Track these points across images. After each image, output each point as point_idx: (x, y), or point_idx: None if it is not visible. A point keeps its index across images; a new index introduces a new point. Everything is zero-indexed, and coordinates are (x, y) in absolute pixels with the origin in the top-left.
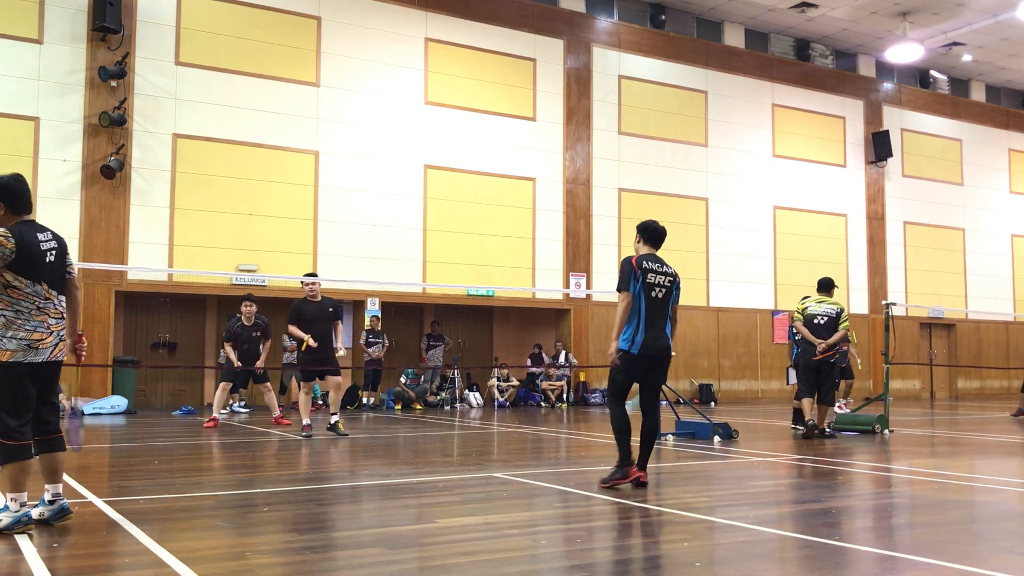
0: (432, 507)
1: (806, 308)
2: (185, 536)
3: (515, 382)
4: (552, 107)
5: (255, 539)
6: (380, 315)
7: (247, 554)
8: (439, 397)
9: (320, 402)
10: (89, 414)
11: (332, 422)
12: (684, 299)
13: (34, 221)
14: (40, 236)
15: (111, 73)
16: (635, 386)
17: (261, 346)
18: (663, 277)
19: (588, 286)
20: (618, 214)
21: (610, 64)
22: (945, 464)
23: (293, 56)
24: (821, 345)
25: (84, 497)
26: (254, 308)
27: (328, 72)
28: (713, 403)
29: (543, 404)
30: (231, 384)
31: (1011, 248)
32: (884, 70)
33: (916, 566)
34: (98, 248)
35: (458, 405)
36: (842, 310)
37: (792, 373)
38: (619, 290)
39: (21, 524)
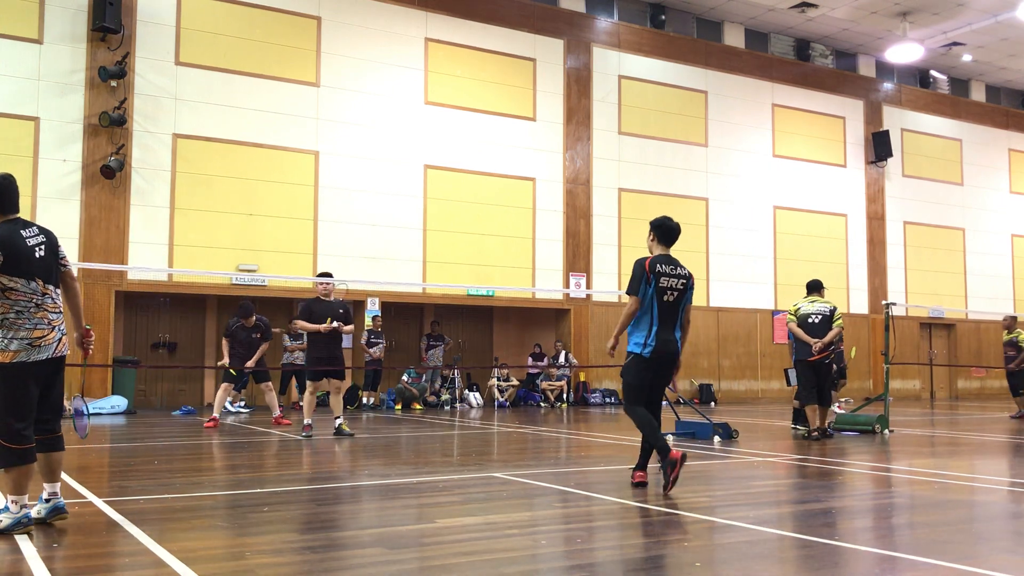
0: (432, 507)
1: (799, 309)
2: (185, 536)
3: (515, 382)
4: (552, 107)
5: (255, 539)
6: (380, 315)
7: (247, 554)
8: (442, 399)
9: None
10: (89, 414)
11: (336, 424)
12: None
13: (19, 219)
14: (25, 232)
15: (111, 73)
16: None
17: (259, 347)
18: (676, 280)
19: (588, 286)
20: (618, 214)
21: (610, 64)
22: (945, 464)
23: (293, 56)
24: (817, 344)
25: (84, 497)
26: (253, 319)
27: (328, 72)
28: (713, 403)
29: (543, 404)
30: (232, 384)
31: (1011, 248)
32: (884, 70)
33: (916, 566)
34: (98, 248)
35: (458, 405)
36: (835, 308)
37: (791, 374)
38: (629, 293)
39: (21, 525)
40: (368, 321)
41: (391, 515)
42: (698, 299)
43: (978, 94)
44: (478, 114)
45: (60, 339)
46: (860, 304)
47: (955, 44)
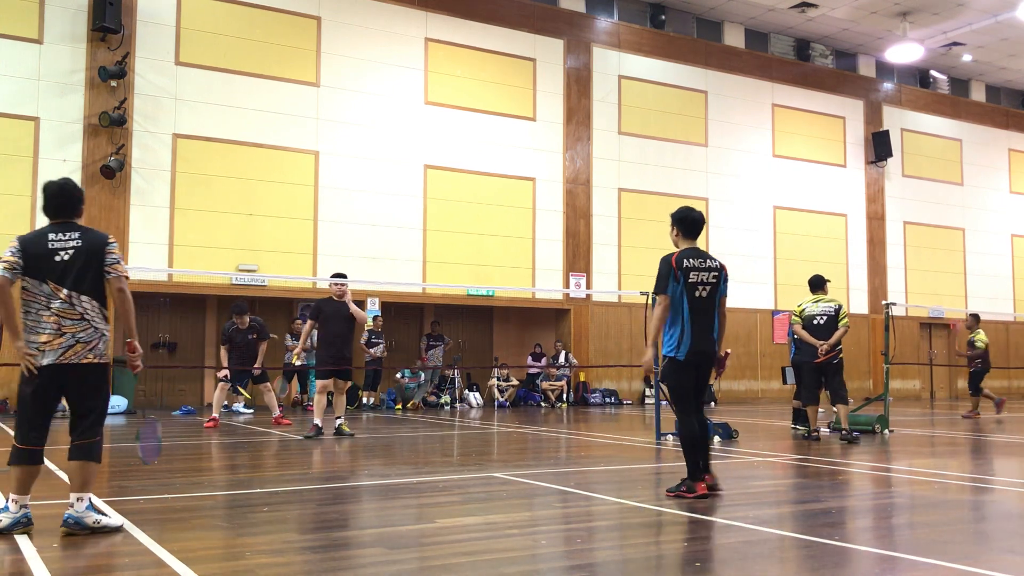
0: (432, 507)
1: (803, 310)
2: (185, 536)
3: (515, 382)
4: (552, 107)
5: (255, 539)
6: (380, 315)
7: (247, 554)
8: (442, 400)
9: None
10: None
11: (336, 424)
12: None
13: (61, 223)
14: (54, 236)
15: (111, 73)
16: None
17: (258, 347)
18: (707, 273)
19: (588, 286)
20: (618, 214)
21: (610, 64)
22: (945, 464)
23: (293, 56)
24: (823, 347)
25: None
26: (247, 319)
27: (328, 72)
28: (713, 403)
29: (543, 404)
30: (231, 384)
31: (1011, 248)
32: (884, 70)
33: (916, 566)
34: None
35: (458, 405)
36: (840, 306)
37: (788, 373)
38: (656, 293)
39: (20, 525)
40: (368, 321)
41: (391, 515)
42: None
43: (978, 94)
44: (478, 114)
45: (71, 347)
46: (860, 304)
47: (955, 44)
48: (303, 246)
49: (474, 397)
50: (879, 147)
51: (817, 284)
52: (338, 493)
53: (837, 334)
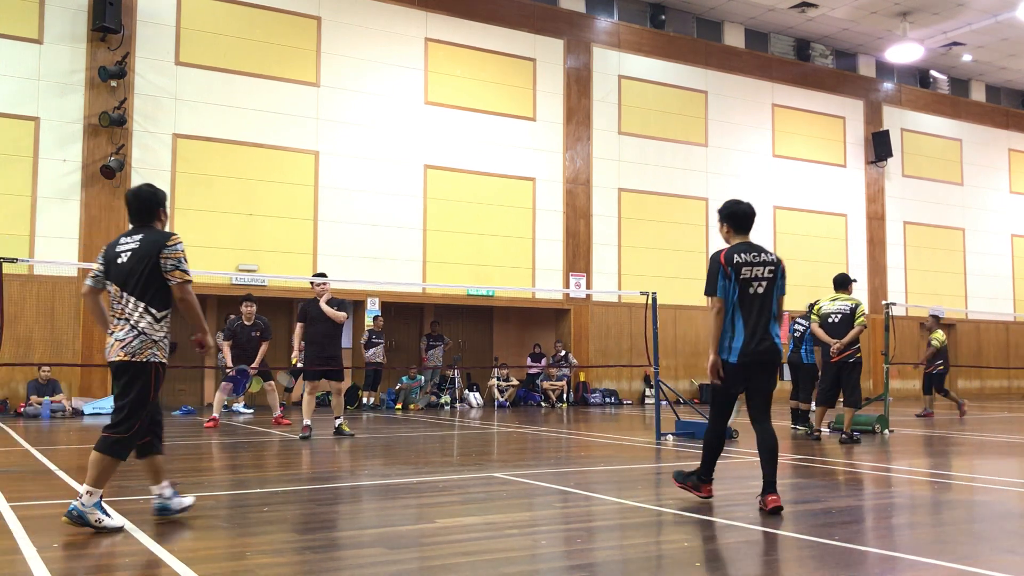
0: (432, 507)
1: (820, 308)
2: (185, 536)
3: (515, 382)
4: (552, 107)
5: (255, 539)
6: (381, 315)
7: (247, 554)
8: (442, 400)
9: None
10: (89, 414)
11: (336, 425)
12: (686, 299)
13: (135, 228)
14: (123, 239)
15: (111, 73)
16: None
17: (260, 346)
18: (761, 268)
19: (588, 286)
20: (618, 214)
21: (610, 64)
22: (945, 464)
23: (293, 56)
24: (835, 345)
25: None
26: (254, 308)
27: (328, 72)
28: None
29: (543, 404)
30: (232, 384)
31: (1011, 248)
32: (884, 70)
33: (916, 566)
34: (98, 248)
35: (458, 405)
36: (857, 305)
37: (786, 369)
38: (707, 294)
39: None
40: (369, 321)
41: (391, 515)
42: (698, 299)
43: (978, 94)
44: (478, 114)
45: (111, 345)
46: None
47: (955, 44)
48: (303, 246)
49: (474, 397)
50: (879, 147)
51: (839, 283)
52: (338, 493)
53: (852, 333)
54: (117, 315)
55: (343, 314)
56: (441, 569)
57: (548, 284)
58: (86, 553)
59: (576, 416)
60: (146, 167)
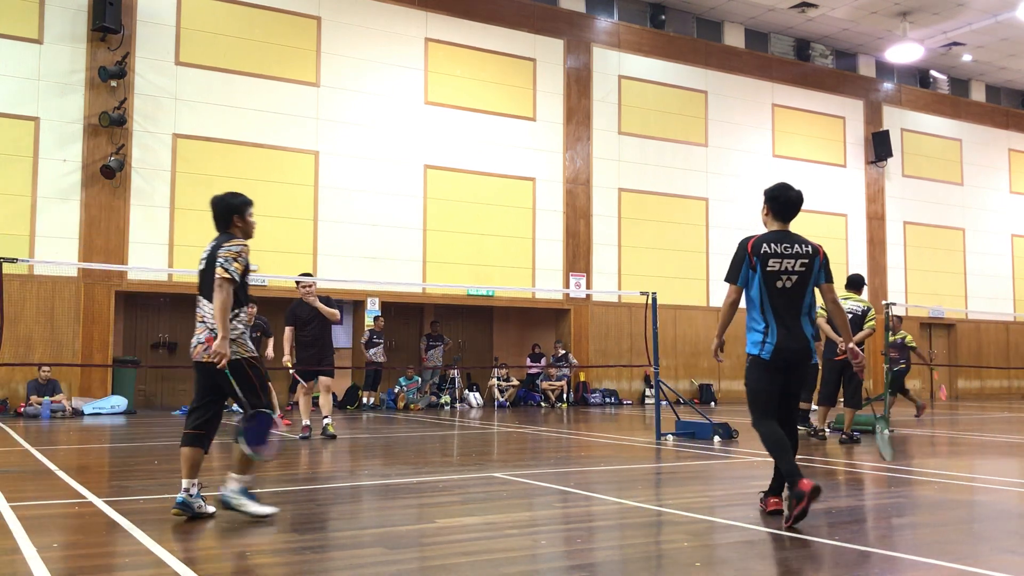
0: (432, 507)
1: None
2: (185, 536)
3: (515, 382)
4: (552, 107)
5: (255, 539)
6: (381, 315)
7: (247, 554)
8: (442, 400)
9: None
10: (89, 414)
11: (324, 423)
12: (685, 298)
13: (219, 234)
14: (207, 248)
15: (111, 73)
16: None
17: (261, 345)
18: (792, 261)
19: (588, 286)
20: (618, 214)
21: (610, 64)
22: (945, 464)
23: (293, 56)
24: (842, 344)
25: (84, 497)
26: (254, 310)
27: (328, 72)
28: (713, 403)
29: (543, 404)
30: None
31: (1011, 248)
32: (884, 70)
33: (916, 566)
34: (98, 248)
35: (458, 405)
36: (869, 308)
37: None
38: (726, 280)
39: (185, 507)
40: (369, 321)
41: (391, 515)
42: (698, 299)
43: (978, 94)
44: (478, 114)
45: (194, 347)
46: None
47: (955, 44)
48: (303, 246)
49: (474, 397)
50: (879, 147)
51: (852, 284)
52: (338, 493)
53: (861, 334)
54: (198, 319)
55: (337, 312)
56: (441, 569)
57: (548, 284)
58: (86, 553)
59: (576, 416)
60: (146, 167)
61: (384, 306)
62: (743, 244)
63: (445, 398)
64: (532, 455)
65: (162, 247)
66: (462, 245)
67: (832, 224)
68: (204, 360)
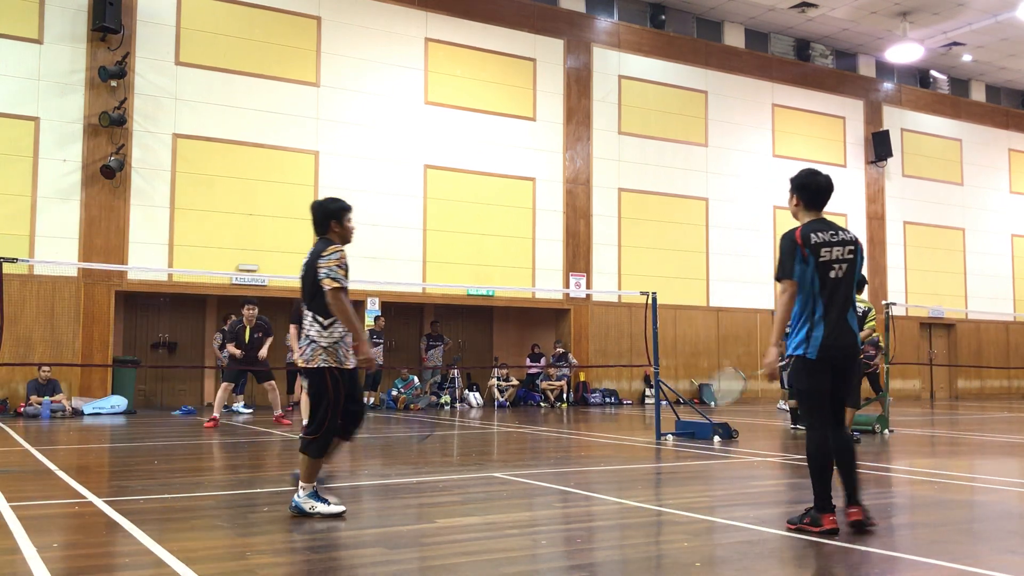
0: (432, 507)
1: None
2: (185, 536)
3: (515, 382)
4: (552, 107)
5: (255, 539)
6: (382, 315)
7: (247, 554)
8: (442, 400)
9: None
10: (89, 414)
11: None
12: (685, 299)
13: (318, 239)
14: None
15: (111, 73)
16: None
17: (263, 344)
18: (842, 248)
19: (588, 286)
20: (618, 214)
21: (610, 64)
22: (945, 464)
23: (293, 56)
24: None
25: (84, 497)
26: (255, 311)
27: (328, 72)
28: (713, 403)
29: (543, 404)
30: (233, 384)
31: (1011, 248)
32: (884, 70)
33: (916, 566)
34: (98, 248)
35: (458, 405)
36: (870, 308)
37: (784, 376)
38: (779, 278)
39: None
40: (369, 321)
41: (391, 515)
42: (698, 299)
43: (978, 94)
44: (478, 114)
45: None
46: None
47: (955, 44)
48: (303, 246)
49: (474, 397)
50: (879, 147)
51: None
52: (338, 493)
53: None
54: (303, 327)
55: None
56: (441, 569)
57: (548, 284)
58: (86, 553)
59: (576, 416)
60: (146, 167)
61: (384, 306)
62: (790, 237)
63: (445, 398)
64: (532, 455)
65: (162, 247)
66: (462, 245)
67: None
68: (301, 366)
